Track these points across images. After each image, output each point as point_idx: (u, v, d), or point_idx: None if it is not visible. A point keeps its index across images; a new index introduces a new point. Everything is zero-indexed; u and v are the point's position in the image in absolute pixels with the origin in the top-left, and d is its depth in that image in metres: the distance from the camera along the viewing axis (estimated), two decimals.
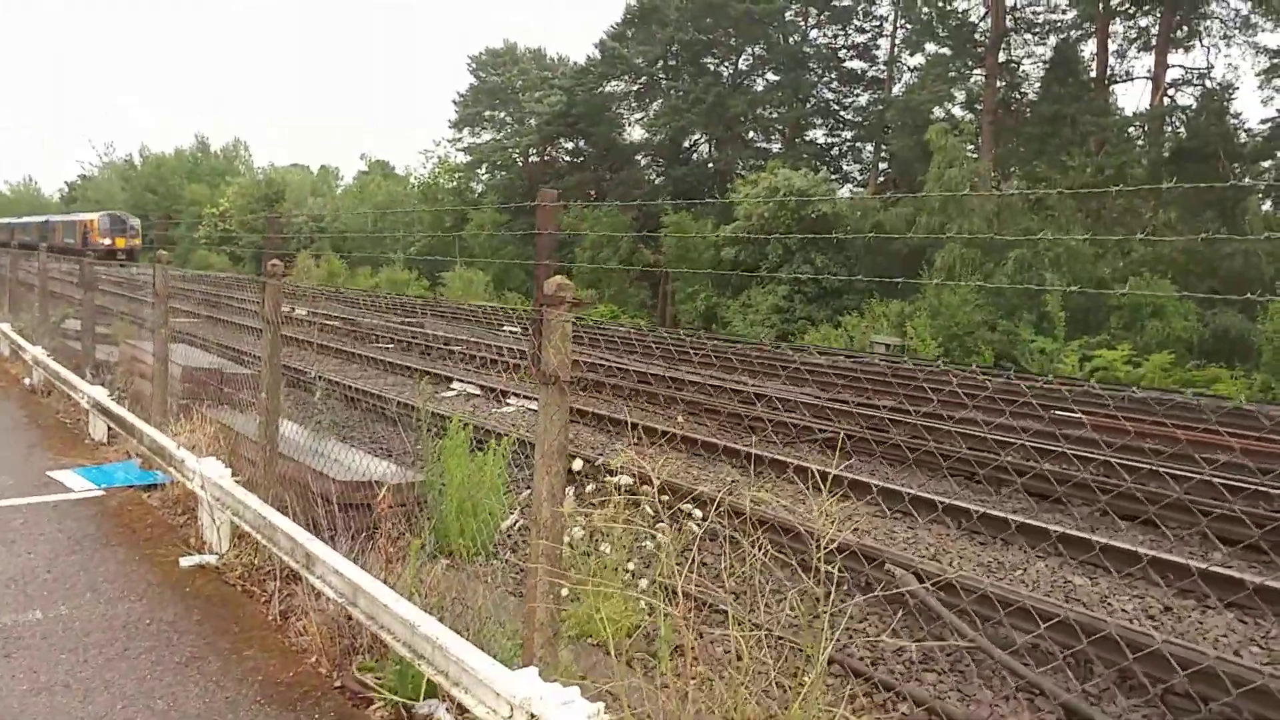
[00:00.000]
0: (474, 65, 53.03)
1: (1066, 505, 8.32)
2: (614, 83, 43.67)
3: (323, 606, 3.67)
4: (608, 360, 16.01)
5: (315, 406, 6.49)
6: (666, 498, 5.07)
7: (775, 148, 40.20)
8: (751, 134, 41.25)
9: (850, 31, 40.18)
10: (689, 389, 13.11)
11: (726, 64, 41.50)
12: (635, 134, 44.44)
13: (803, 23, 40.49)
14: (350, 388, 10.61)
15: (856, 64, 40.47)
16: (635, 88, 43.84)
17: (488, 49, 52.95)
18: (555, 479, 3.23)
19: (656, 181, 41.71)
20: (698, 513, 4.66)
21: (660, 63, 42.19)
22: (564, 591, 3.76)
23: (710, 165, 41.56)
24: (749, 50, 40.87)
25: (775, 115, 40.35)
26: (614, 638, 4.09)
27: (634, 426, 10.26)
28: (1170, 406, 14.59)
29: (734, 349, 20.80)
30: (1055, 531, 6.82)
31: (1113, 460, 9.16)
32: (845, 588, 5.90)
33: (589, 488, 4.04)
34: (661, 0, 41.44)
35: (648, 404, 12.65)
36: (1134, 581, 6.28)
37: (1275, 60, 30.35)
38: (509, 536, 6.06)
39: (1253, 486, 8.36)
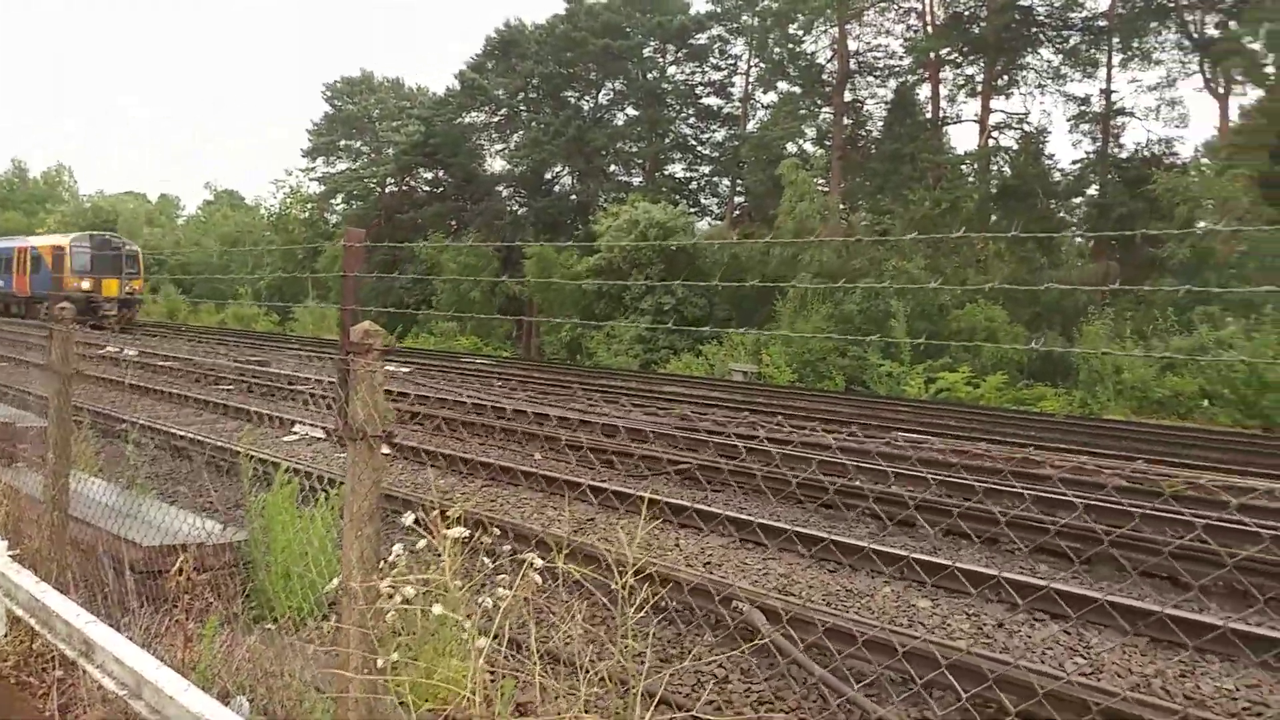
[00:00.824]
0: (329, 93, 51.47)
1: (913, 527, 8.63)
2: (474, 114, 43.33)
3: (111, 696, 3.26)
4: (467, 396, 15.61)
5: (134, 459, 5.92)
6: (508, 547, 4.86)
7: (636, 181, 40.83)
8: (613, 167, 41.77)
9: (707, 69, 41.45)
10: (550, 424, 12.91)
11: (587, 98, 41.94)
12: (496, 165, 44.19)
13: (661, 60, 41.46)
14: (174, 435, 9.84)
15: (713, 101, 41.77)
16: (496, 119, 43.64)
17: (343, 77, 51.54)
18: (367, 544, 2.99)
19: (518, 212, 41.52)
20: (539, 561, 4.46)
21: (521, 95, 42.19)
22: (394, 656, 3.49)
23: (573, 197, 41.75)
24: (609, 85, 41.47)
25: (635, 149, 41.03)
26: (449, 701, 3.85)
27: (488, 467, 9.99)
28: (1005, 423, 15.55)
29: (599, 381, 20.81)
30: (899, 555, 7.01)
31: (955, 480, 9.60)
32: (695, 625, 5.85)
33: (421, 543, 3.82)
34: (521, 34, 41.55)
35: (507, 441, 12.36)
36: (972, 600, 6.52)
37: (1083, 108, 33.37)
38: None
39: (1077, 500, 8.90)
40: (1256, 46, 28.20)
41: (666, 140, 40.94)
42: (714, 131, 41.48)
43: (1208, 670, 5.36)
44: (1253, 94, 29.37)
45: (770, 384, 22.14)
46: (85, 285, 29.96)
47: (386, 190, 45.72)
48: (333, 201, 48.90)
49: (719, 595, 5.77)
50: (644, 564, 3.50)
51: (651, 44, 40.56)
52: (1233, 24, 29.02)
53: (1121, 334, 21.44)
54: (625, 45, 38.96)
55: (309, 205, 48.73)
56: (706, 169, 41.73)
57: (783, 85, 38.04)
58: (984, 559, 7.68)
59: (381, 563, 3.16)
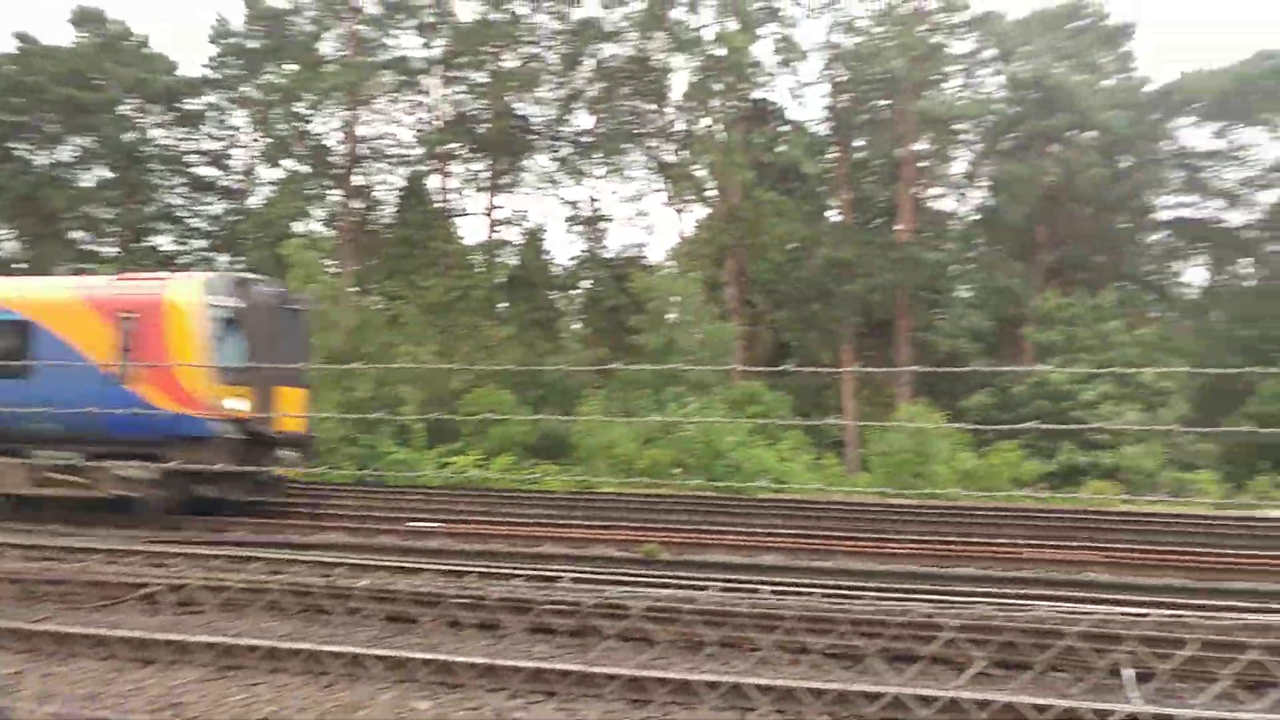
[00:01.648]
0: None
1: (417, 623, 8.26)
2: None
3: None
4: None
5: None
6: None
7: (111, 250, 35.47)
8: (78, 233, 35.82)
9: (200, 137, 38.01)
10: None
11: (44, 152, 35.61)
12: None
13: (143, 119, 36.99)
14: None
15: (209, 171, 38.35)
16: None
17: None
18: None
19: None
20: None
21: None
22: None
23: (26, 265, 34.78)
24: (74, 141, 35.74)
25: (110, 216, 35.78)
26: None
27: None
28: (512, 502, 16.15)
29: None
30: (399, 657, 6.61)
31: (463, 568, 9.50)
32: None
33: None
34: None
35: None
36: (470, 691, 6.33)
37: (575, 211, 37.50)
38: None
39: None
40: (702, 174, 34.59)
41: (150, 209, 36.46)
42: (210, 204, 38.04)
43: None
44: (700, 211, 35.91)
45: None
46: (234, 404, 13.18)
47: None
48: None
49: None
50: None
51: (131, 101, 36.01)
52: (684, 154, 35.25)
53: (611, 411, 23.99)
54: (96, 99, 34.03)
55: None
56: (201, 243, 37.91)
57: (289, 163, 36.44)
58: (485, 648, 7.60)
59: None
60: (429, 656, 6.68)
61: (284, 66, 34.74)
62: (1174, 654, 6.16)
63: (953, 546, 12.02)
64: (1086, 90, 29.83)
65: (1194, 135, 33.62)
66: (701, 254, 33.32)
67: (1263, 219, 33.87)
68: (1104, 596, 8.51)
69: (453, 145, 35.96)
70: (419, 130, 37.02)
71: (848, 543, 12.24)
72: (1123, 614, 7.23)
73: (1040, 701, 5.53)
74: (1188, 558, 11.11)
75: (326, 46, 35.20)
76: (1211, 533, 12.54)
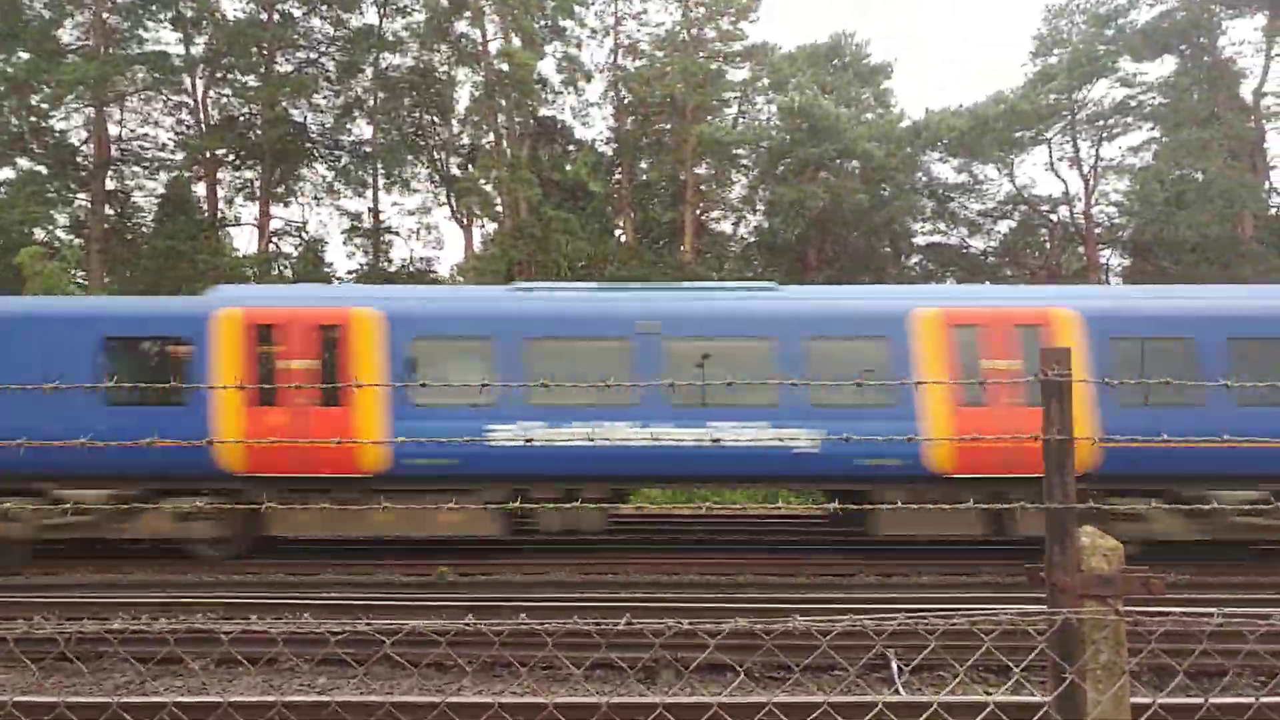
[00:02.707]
0: None
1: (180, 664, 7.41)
2: None
3: None
4: None
5: None
6: None
7: None
8: None
9: None
10: None
11: None
12: None
13: None
14: None
15: None
16: None
17: None
18: None
19: None
20: None
21: None
22: None
23: None
24: None
25: None
26: None
27: None
28: None
29: None
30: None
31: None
32: None
33: None
34: None
35: None
36: None
37: (355, 223, 35.93)
38: None
39: None
40: (489, 188, 34.11)
41: None
42: None
43: None
44: (489, 226, 35.38)
45: None
46: None
47: None
48: None
49: None
50: None
51: None
52: (470, 167, 34.65)
53: None
54: None
55: None
56: None
57: (24, 162, 32.53)
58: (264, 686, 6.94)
59: None
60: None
61: (17, 55, 31.06)
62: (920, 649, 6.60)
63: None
64: (849, 122, 32.09)
65: (942, 168, 37.12)
66: (490, 269, 32.83)
67: (998, 247, 37.83)
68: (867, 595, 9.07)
69: (220, 150, 33.53)
70: (180, 133, 34.30)
71: None
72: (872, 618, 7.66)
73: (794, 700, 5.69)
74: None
75: (68, 35, 31.89)
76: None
